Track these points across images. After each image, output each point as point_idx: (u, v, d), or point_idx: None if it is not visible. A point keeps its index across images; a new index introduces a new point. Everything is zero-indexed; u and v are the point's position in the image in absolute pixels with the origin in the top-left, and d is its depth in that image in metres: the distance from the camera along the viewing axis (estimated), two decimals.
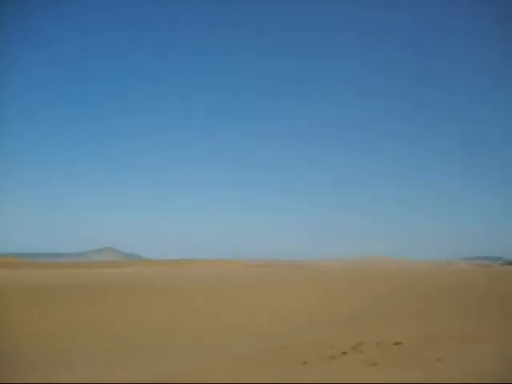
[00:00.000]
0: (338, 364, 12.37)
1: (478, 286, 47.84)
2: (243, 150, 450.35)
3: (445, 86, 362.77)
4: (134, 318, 24.41)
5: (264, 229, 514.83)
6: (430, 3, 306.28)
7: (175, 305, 30.04)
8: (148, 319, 24.35)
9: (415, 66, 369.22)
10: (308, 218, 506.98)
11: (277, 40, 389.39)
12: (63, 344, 18.33)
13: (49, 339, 19.18)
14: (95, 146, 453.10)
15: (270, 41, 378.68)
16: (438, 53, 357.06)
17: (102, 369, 13.64)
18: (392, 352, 13.59)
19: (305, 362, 12.77)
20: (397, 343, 14.93)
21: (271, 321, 24.14)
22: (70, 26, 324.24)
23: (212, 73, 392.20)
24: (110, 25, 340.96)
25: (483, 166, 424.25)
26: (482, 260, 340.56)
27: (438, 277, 78.48)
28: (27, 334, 20.03)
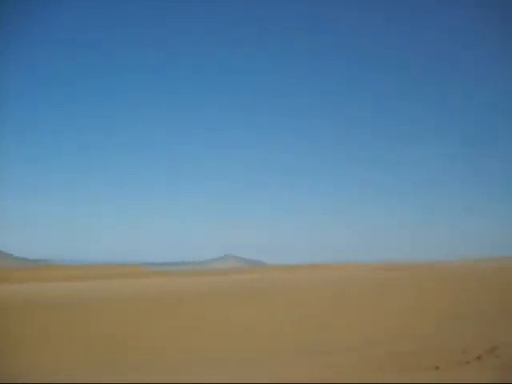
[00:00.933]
0: (472, 369, 11.74)
1: None
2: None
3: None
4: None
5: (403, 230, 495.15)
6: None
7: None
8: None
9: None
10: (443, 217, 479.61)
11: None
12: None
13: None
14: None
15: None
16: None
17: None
18: None
19: (437, 367, 12.24)
20: None
21: (397, 323, 23.45)
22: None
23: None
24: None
25: None
26: None
27: None
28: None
